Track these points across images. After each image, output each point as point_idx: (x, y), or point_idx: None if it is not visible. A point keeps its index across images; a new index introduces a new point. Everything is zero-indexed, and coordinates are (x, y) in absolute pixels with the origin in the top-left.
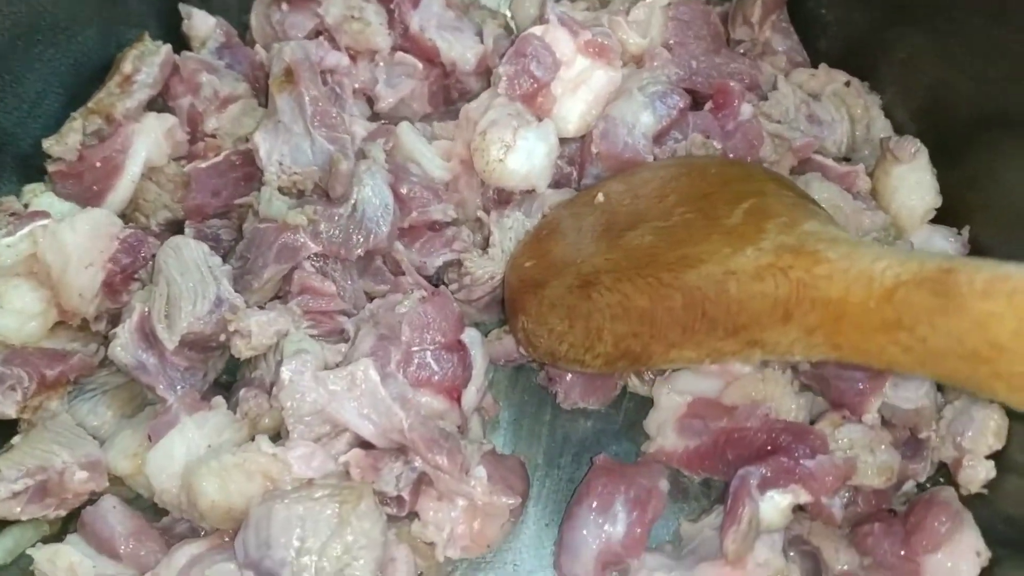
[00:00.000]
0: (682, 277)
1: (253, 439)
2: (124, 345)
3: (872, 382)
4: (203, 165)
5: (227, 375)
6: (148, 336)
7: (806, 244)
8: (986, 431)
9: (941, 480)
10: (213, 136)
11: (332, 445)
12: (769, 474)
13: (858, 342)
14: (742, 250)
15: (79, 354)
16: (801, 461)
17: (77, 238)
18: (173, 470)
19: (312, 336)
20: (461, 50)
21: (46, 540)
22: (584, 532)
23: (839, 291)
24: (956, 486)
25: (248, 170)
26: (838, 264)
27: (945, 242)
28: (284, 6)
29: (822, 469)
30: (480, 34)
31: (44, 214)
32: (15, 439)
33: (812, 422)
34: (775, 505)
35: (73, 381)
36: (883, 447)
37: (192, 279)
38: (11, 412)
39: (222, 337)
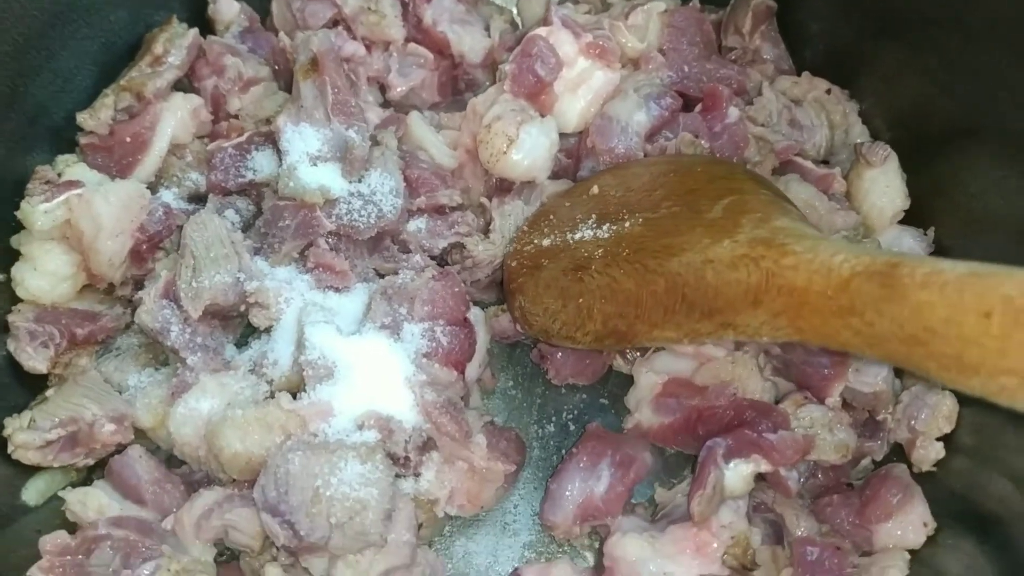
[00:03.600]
0: (665, 264)
1: (272, 396)
2: (149, 310)
3: (836, 368)
4: (226, 144)
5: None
6: (172, 303)
7: (776, 238)
8: (938, 415)
9: (895, 459)
10: (236, 117)
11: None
12: (734, 444)
13: (817, 326)
14: (719, 241)
15: (108, 316)
16: (764, 434)
17: (110, 208)
18: (195, 425)
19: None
20: (470, 43)
21: (74, 485)
22: (569, 485)
23: (803, 280)
24: (909, 464)
25: (268, 150)
26: (803, 256)
27: (912, 241)
28: None
29: (783, 442)
30: (488, 28)
31: (78, 183)
32: (48, 392)
33: (777, 402)
34: (738, 473)
35: (101, 341)
36: (841, 426)
37: (216, 252)
38: (42, 367)
39: (242, 307)
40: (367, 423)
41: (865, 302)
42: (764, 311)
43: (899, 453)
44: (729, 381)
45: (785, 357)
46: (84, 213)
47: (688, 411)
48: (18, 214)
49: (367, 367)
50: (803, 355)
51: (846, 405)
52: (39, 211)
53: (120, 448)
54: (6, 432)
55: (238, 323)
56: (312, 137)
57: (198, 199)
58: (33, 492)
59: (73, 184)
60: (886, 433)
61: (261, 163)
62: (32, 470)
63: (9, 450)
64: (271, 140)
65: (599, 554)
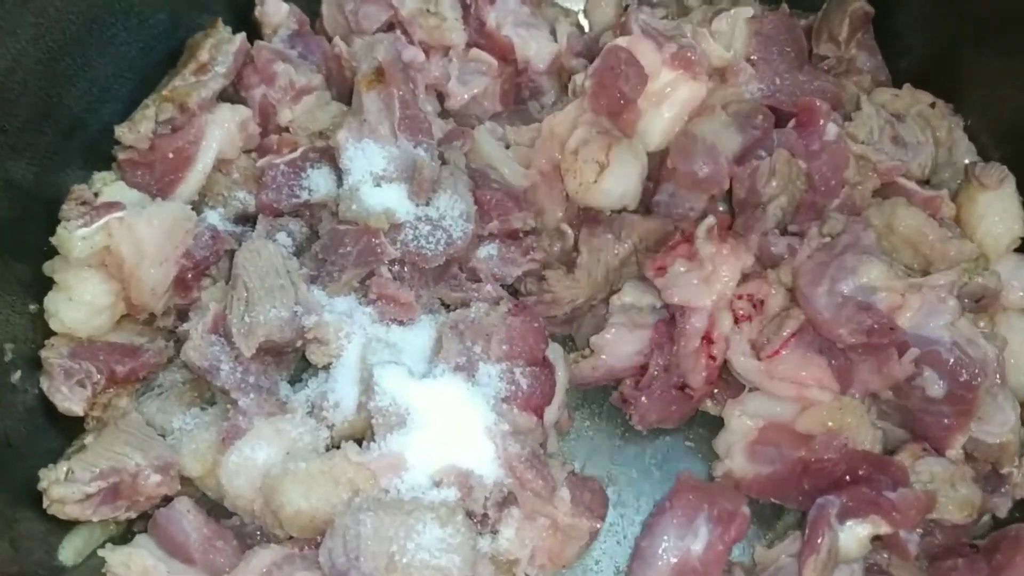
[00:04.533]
0: None
1: (336, 445)
2: (197, 347)
3: (959, 418)
4: (278, 160)
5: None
6: (222, 338)
7: None
8: None
9: (1017, 516)
10: (287, 129)
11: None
12: (850, 504)
13: None
14: None
15: (150, 350)
16: (883, 492)
17: (153, 233)
18: (249, 476)
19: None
20: (536, 48)
21: (114, 540)
22: (664, 543)
23: None
24: None
25: (325, 167)
26: None
27: None
28: None
29: (904, 501)
30: (553, 32)
31: (119, 205)
32: (87, 439)
33: (889, 452)
34: (854, 535)
35: (142, 378)
36: (964, 482)
37: (271, 283)
38: (78, 409)
39: (299, 343)
40: (446, 479)
41: None
42: None
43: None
44: (837, 430)
45: (899, 403)
46: (125, 238)
47: (792, 463)
48: (53, 240)
49: (443, 414)
50: (921, 402)
51: (967, 456)
52: (76, 237)
53: (166, 499)
54: (42, 485)
55: (292, 358)
56: (376, 155)
57: (246, 220)
58: (70, 551)
59: (113, 206)
60: (1011, 488)
61: (317, 182)
62: (68, 524)
63: (44, 504)
64: (328, 157)
65: None
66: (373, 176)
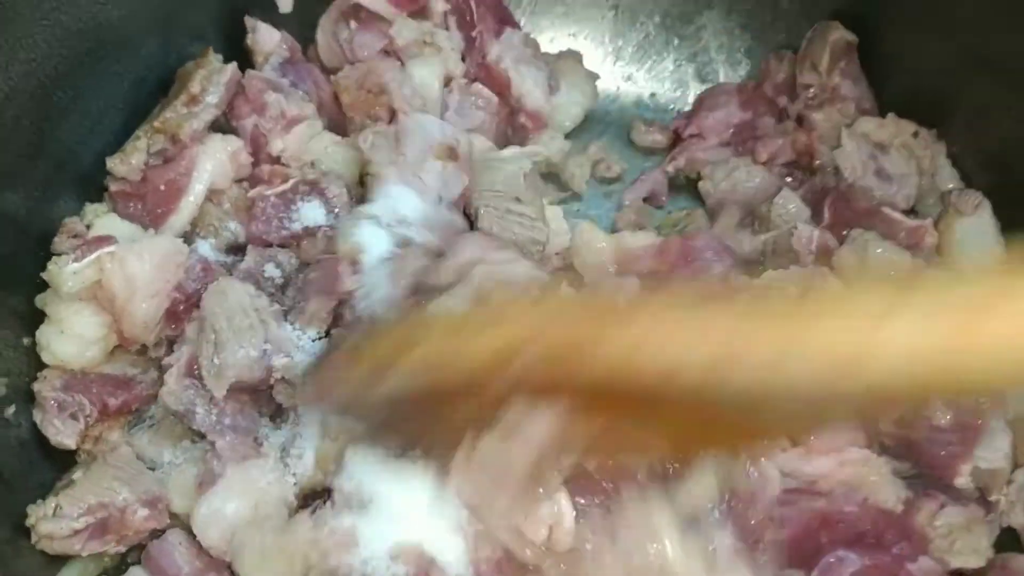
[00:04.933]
0: None
1: (307, 494)
2: (172, 392)
3: (964, 445)
4: (268, 192)
5: None
6: (196, 381)
7: None
8: None
9: (1004, 542)
10: (278, 159)
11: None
12: (869, 568)
13: None
14: None
15: (143, 382)
16: (906, 564)
17: (145, 267)
18: (221, 528)
19: None
20: (531, 85)
21: (108, 572)
22: None
23: None
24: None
25: (316, 200)
26: None
27: None
28: (353, 24)
29: (923, 574)
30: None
31: (110, 239)
32: (76, 474)
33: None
34: None
35: (134, 410)
36: (981, 524)
37: (239, 323)
38: (71, 443)
39: (272, 381)
40: (404, 556)
41: None
42: None
43: (1010, 537)
44: (858, 485)
45: (903, 434)
46: (116, 273)
47: (809, 517)
48: (44, 275)
49: (412, 503)
50: (928, 432)
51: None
52: (67, 272)
53: (158, 532)
54: (30, 521)
55: (268, 395)
56: (409, 203)
57: (237, 250)
58: None
59: (104, 240)
60: (997, 515)
61: (307, 214)
62: (63, 558)
63: (33, 540)
64: (318, 190)
65: None
66: (388, 218)
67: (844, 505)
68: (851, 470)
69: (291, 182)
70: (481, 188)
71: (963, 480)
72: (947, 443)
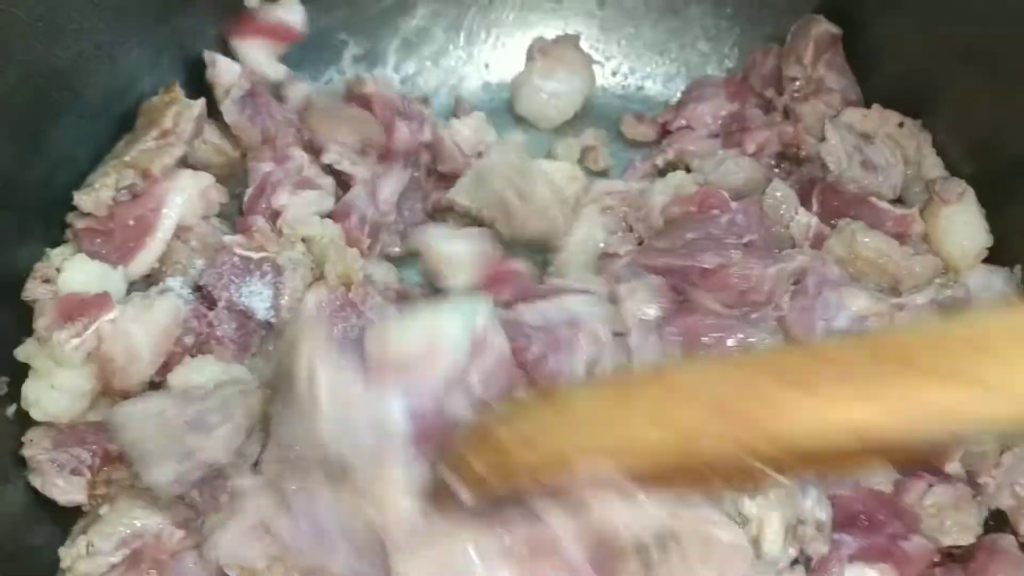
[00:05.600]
0: None
1: None
2: None
3: None
4: (237, 249)
5: None
6: None
7: None
8: None
9: (991, 523)
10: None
11: None
12: (866, 548)
13: None
14: None
15: None
16: (898, 542)
17: (148, 337)
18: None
19: None
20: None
21: None
22: None
23: None
24: (1015, 534)
25: (269, 290)
26: None
27: (1002, 282)
28: None
29: (917, 552)
30: None
31: (106, 302)
32: (101, 509)
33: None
34: None
35: None
36: (968, 503)
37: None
38: (81, 497)
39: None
40: None
41: None
42: None
43: (999, 520)
44: None
45: None
46: (119, 342)
47: None
48: (47, 348)
49: None
50: None
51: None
52: (69, 348)
53: None
54: (65, 564)
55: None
56: None
57: (199, 289)
58: None
59: (100, 305)
60: (986, 498)
61: (253, 299)
62: None
63: None
64: (278, 279)
65: None
66: None
67: (838, 489)
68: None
69: (260, 255)
70: None
71: (954, 466)
72: None
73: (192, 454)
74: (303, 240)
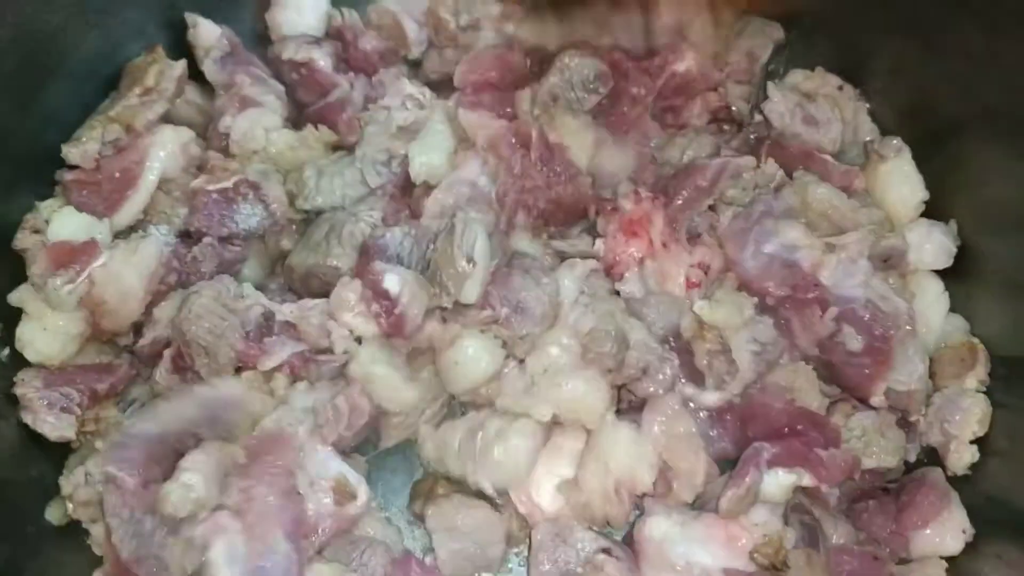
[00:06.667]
0: None
1: None
2: (163, 377)
3: (878, 366)
4: (210, 187)
5: None
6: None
7: None
8: (971, 418)
9: (924, 460)
10: (227, 147)
11: None
12: (782, 453)
13: None
14: None
15: (123, 365)
16: (815, 449)
17: (137, 278)
18: None
19: None
20: None
21: None
22: None
23: None
24: (943, 468)
25: (258, 205)
26: None
27: (941, 235)
28: None
29: (832, 461)
30: None
31: (94, 248)
32: (97, 442)
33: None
34: (778, 481)
35: (119, 392)
36: (892, 428)
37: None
38: (70, 433)
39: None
40: None
41: None
42: None
43: (932, 456)
44: (788, 387)
45: (825, 359)
46: (110, 284)
47: (740, 409)
48: (42, 293)
49: None
50: (843, 356)
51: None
52: (63, 293)
53: None
54: (65, 492)
55: None
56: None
57: (188, 235)
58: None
59: (90, 251)
60: (918, 436)
61: (247, 219)
62: None
63: (69, 510)
64: (258, 193)
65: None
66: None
67: (774, 401)
68: (782, 373)
69: (233, 180)
70: None
71: (878, 399)
72: (862, 366)
73: None
74: (254, 153)
